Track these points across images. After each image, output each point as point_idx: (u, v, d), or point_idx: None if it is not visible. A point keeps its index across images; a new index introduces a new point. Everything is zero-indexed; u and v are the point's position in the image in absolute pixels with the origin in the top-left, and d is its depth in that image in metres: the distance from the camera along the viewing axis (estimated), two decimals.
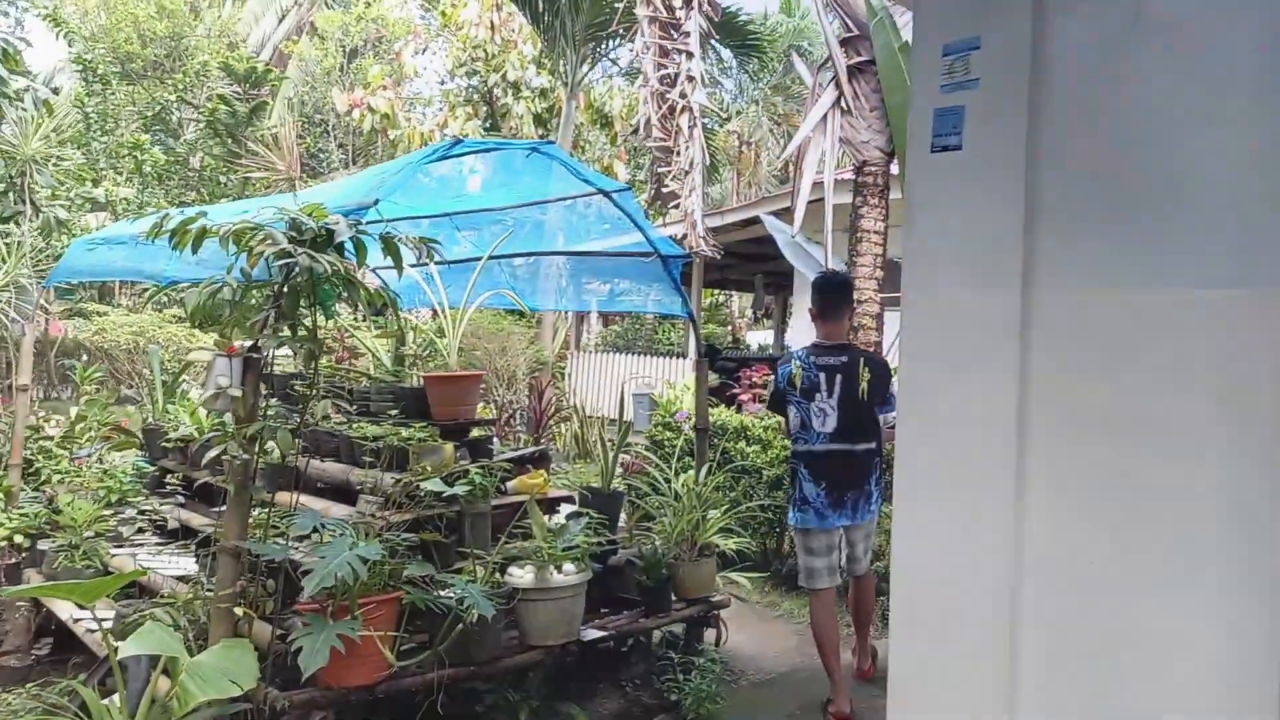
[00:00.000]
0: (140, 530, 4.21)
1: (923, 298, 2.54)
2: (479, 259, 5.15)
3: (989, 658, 2.38)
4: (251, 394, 2.94)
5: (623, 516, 4.45)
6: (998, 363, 2.34)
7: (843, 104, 7.29)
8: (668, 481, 4.45)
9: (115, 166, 14.00)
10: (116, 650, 2.44)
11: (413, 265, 4.25)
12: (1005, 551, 2.34)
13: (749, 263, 15.48)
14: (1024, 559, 2.33)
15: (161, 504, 4.23)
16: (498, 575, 3.49)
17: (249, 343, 2.97)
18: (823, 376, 3.86)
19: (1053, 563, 2.29)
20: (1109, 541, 2.18)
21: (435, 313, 4.88)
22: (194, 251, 2.95)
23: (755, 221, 12.30)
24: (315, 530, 2.92)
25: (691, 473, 4.43)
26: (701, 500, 4.24)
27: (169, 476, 4.66)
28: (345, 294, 3.10)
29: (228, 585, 2.87)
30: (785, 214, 10.25)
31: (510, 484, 4.05)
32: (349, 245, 3.02)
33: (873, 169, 7.33)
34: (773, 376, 4.16)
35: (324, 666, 2.64)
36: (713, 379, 9.30)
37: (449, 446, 3.71)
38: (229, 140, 15.36)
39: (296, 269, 2.81)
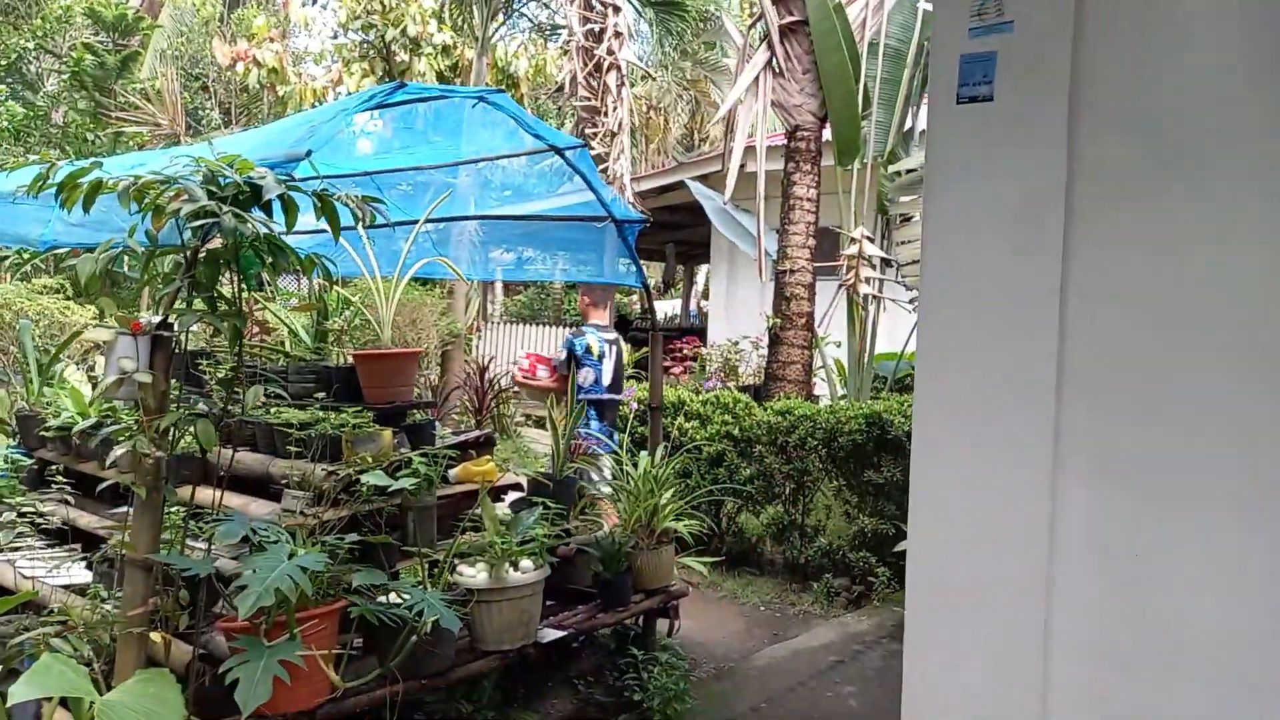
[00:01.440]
0: (28, 531, 3.65)
1: (946, 262, 2.30)
2: (404, 223, 4.71)
3: (1019, 655, 2.19)
4: (162, 379, 2.48)
5: None
6: (1034, 332, 2.12)
7: (774, 65, 7.05)
8: (619, 464, 4.15)
9: None
10: (3, 697, 1.99)
11: (348, 228, 3.81)
12: (1039, 535, 2.14)
13: (661, 231, 15.22)
14: (1059, 544, 2.14)
15: (43, 502, 3.68)
16: (448, 575, 3.13)
17: (157, 318, 2.51)
18: (607, 348, 5.44)
19: (1091, 548, 2.10)
20: (1154, 525, 2.00)
21: (346, 282, 4.42)
22: (85, 210, 2.46)
23: (671, 189, 12.03)
24: (246, 538, 2.49)
25: (645, 454, 4.14)
26: (659, 484, 3.96)
27: (50, 469, 4.08)
28: (271, 260, 2.66)
29: (138, 604, 2.43)
30: (706, 180, 10.02)
31: (453, 472, 3.68)
32: (277, 204, 2.59)
33: (805, 134, 7.13)
34: (569, 348, 5.42)
35: None
36: (631, 351, 9.02)
37: (387, 433, 3.31)
38: (96, 94, 14.05)
39: (215, 231, 2.37)
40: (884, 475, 5.37)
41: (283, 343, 4.12)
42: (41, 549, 3.75)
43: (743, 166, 10.86)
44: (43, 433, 4.17)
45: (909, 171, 7.15)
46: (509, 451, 9.73)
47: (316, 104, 13.69)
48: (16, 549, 3.67)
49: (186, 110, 16.66)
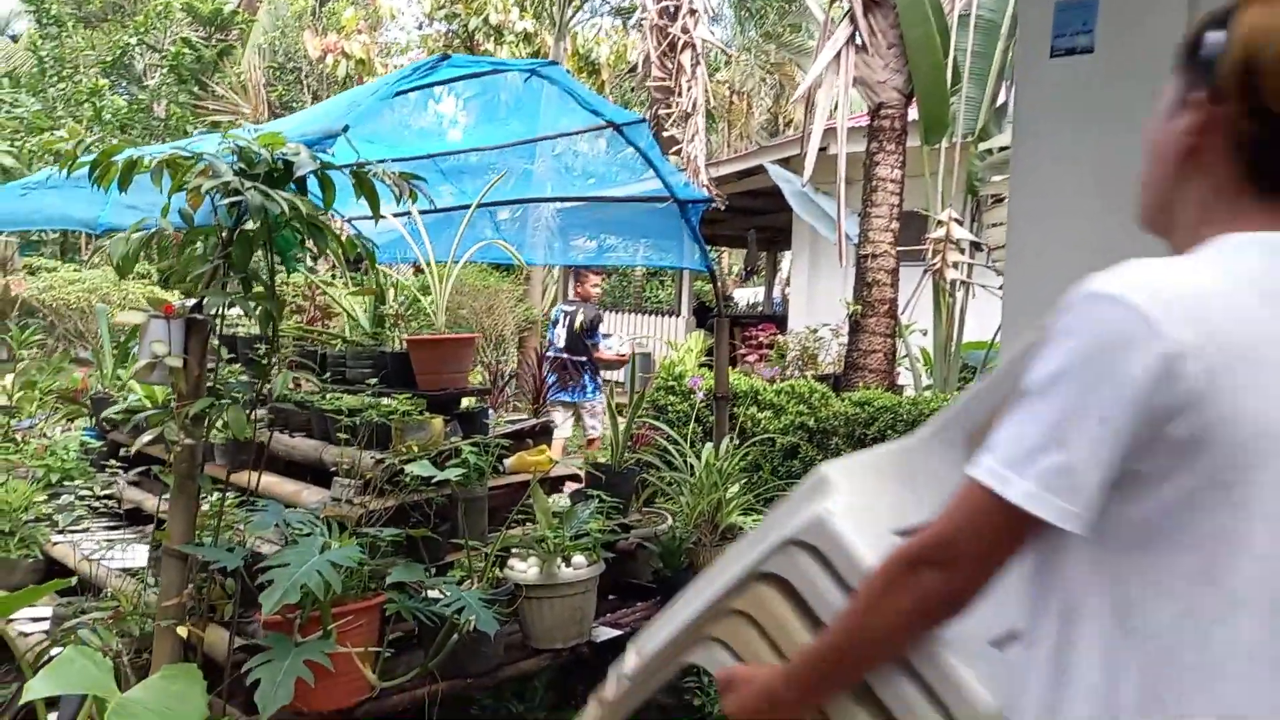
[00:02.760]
0: (86, 513, 3.69)
1: (1035, 238, 2.04)
2: (466, 207, 4.62)
3: None
4: (196, 364, 2.41)
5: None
6: None
7: (857, 40, 6.71)
8: (683, 455, 3.96)
9: (74, 115, 13.18)
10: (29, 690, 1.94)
11: (395, 214, 3.72)
12: None
13: (742, 217, 14.92)
14: None
15: (106, 484, 3.70)
16: (496, 570, 3.00)
17: (191, 301, 2.44)
18: (563, 315, 6.89)
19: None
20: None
21: (418, 268, 4.33)
22: (121, 189, 2.40)
23: (751, 173, 11.72)
24: (277, 527, 2.41)
25: (710, 445, 3.94)
26: (724, 476, 3.76)
27: (122, 451, 4.12)
28: (310, 241, 2.56)
29: (172, 595, 2.37)
30: (787, 164, 9.70)
31: (508, 462, 3.55)
32: (313, 182, 2.48)
33: (890, 111, 6.78)
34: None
35: None
36: (706, 338, 8.80)
37: (437, 421, 3.19)
38: (195, 87, 14.53)
39: (248, 210, 2.27)
40: None
41: (345, 329, 4.07)
42: (109, 528, 3.79)
43: (824, 149, 10.50)
44: (113, 415, 4.21)
45: (1001, 149, 6.74)
46: (583, 438, 9.66)
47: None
48: (83, 530, 3.72)
49: (281, 101, 17.12)
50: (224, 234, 2.40)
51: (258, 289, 2.44)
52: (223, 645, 2.55)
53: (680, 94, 6.82)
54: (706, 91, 7.08)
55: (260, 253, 2.47)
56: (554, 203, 4.94)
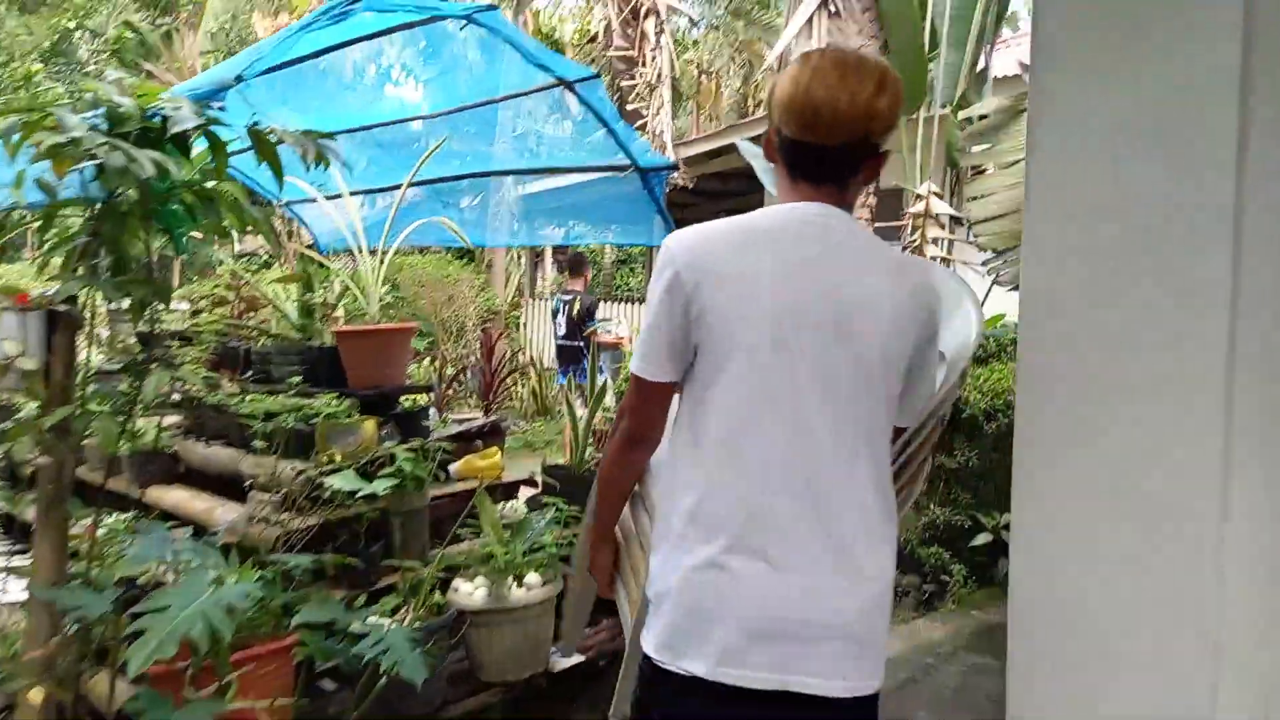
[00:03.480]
0: None
1: (1059, 200, 1.67)
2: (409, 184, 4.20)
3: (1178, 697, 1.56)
4: (60, 366, 2.00)
5: None
6: (1195, 304, 1.47)
7: (830, 4, 6.34)
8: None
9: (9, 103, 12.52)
10: None
11: (330, 196, 3.30)
12: (1203, 581, 1.50)
13: (712, 200, 14.53)
14: (1230, 563, 1.50)
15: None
16: (437, 594, 2.61)
17: (53, 290, 2.03)
18: (563, 305, 7.31)
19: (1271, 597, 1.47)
20: None
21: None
22: None
23: (721, 154, 11.33)
24: (162, 561, 2.01)
25: None
26: None
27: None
28: (202, 215, 2.16)
29: (38, 644, 1.97)
30: (758, 142, 9.32)
31: (454, 467, 3.16)
32: (200, 142, 2.08)
33: None
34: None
35: None
36: None
37: (369, 423, 2.80)
38: (140, 74, 13.89)
39: (114, 176, 1.86)
40: (957, 460, 4.72)
41: (274, 323, 3.65)
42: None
43: None
44: None
45: (982, 118, 6.40)
46: (554, 432, 9.26)
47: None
48: None
49: None
50: (92, 208, 2.00)
51: (132, 273, 2.03)
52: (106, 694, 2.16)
53: (644, 64, 6.42)
54: (672, 62, 6.68)
55: (140, 230, 2.07)
56: (505, 176, 4.54)
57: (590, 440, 3.51)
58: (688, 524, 1.35)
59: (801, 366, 1.34)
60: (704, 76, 17.04)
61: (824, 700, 1.31)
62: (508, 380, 6.86)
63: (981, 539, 4.68)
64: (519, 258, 13.39)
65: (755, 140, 9.15)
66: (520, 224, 4.98)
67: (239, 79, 2.15)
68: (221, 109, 2.16)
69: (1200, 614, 1.42)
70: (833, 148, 1.39)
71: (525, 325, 12.44)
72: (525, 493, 3.40)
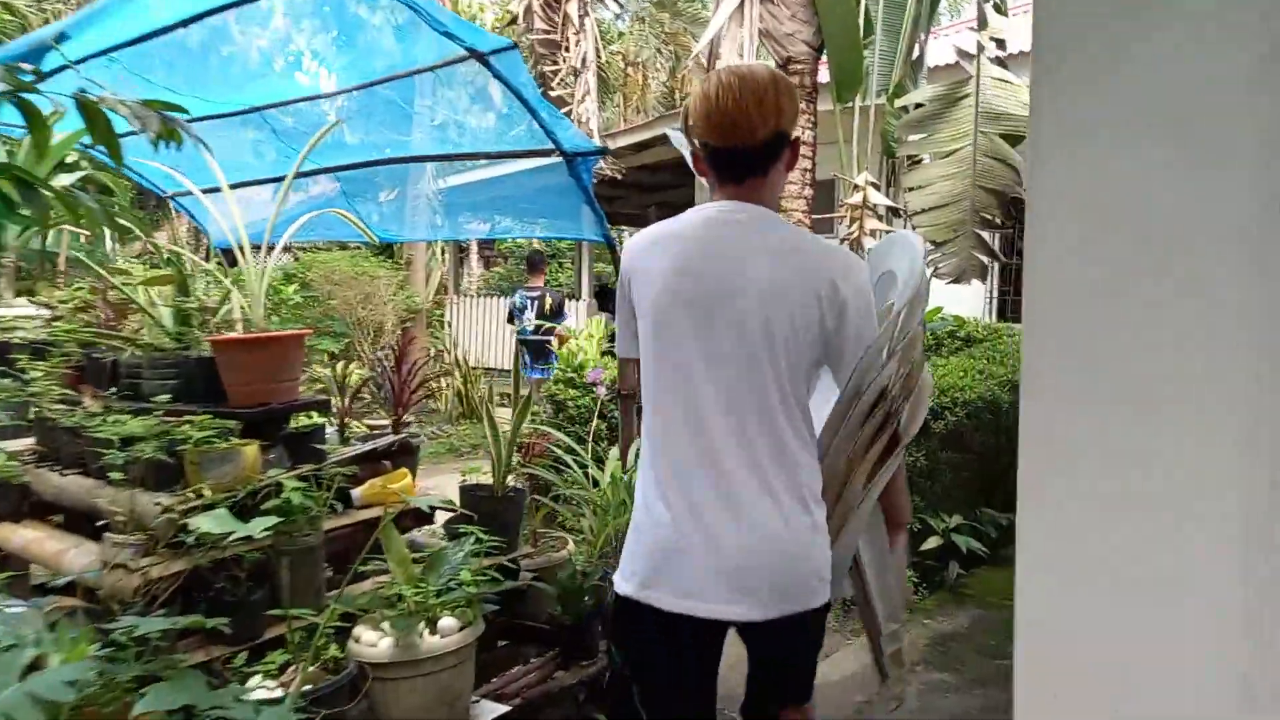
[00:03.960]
0: None
1: (1063, 213, 1.39)
2: (296, 172, 3.78)
3: None
4: None
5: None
6: (1211, 304, 1.21)
7: None
8: (584, 468, 3.25)
9: None
10: None
11: (209, 190, 2.87)
12: (1227, 592, 1.24)
13: (641, 193, 14.24)
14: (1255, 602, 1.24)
15: None
16: (333, 648, 2.23)
17: None
18: (528, 301, 7.73)
19: None
20: None
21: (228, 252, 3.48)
22: None
23: (650, 145, 11.03)
24: None
25: (615, 454, 3.25)
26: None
27: None
28: (24, 205, 1.74)
29: None
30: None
31: (358, 491, 2.78)
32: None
33: (799, 67, 6.16)
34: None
35: None
36: (609, 323, 8.15)
37: (250, 448, 2.39)
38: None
39: None
40: (908, 459, 4.49)
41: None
42: None
43: None
44: None
45: (918, 106, 6.23)
46: (479, 436, 8.84)
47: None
48: None
49: None
50: None
51: None
52: None
53: (567, 48, 6.06)
54: (597, 47, 6.34)
55: None
56: (424, 168, 4.15)
57: (516, 456, 3.16)
58: (641, 473, 1.72)
59: (687, 346, 1.62)
60: (630, 68, 16.74)
61: (716, 623, 1.62)
62: (431, 384, 6.46)
63: (931, 543, 4.47)
64: (441, 254, 12.90)
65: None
66: (442, 219, 4.60)
67: (61, 37, 1.74)
68: (39, 75, 1.75)
69: (1222, 627, 1.18)
70: (755, 147, 1.63)
71: (451, 324, 11.96)
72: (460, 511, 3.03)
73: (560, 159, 2.96)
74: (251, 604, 2.25)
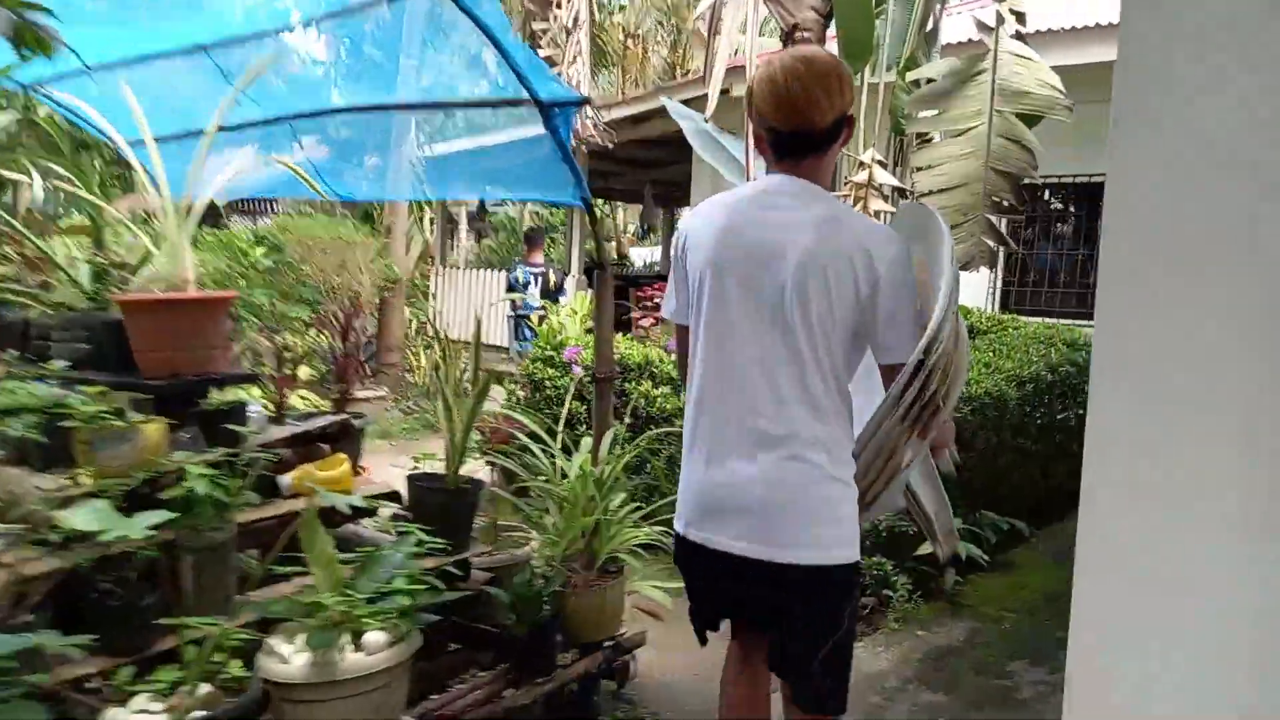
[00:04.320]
0: None
1: (1141, 223, 1.09)
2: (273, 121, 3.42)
3: None
4: None
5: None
6: None
7: None
8: (552, 458, 2.93)
9: None
10: None
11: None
12: None
13: (637, 169, 13.88)
14: None
15: None
16: (236, 665, 1.90)
17: None
18: (532, 277, 7.99)
19: None
20: None
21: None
22: None
23: (647, 119, 10.65)
24: None
25: (588, 443, 2.92)
26: (603, 488, 2.74)
27: None
28: None
29: None
30: (689, 106, 8.65)
31: (287, 479, 2.44)
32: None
33: (805, 34, 5.78)
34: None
35: None
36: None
37: (152, 427, 2.05)
38: None
39: None
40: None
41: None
42: None
43: (726, 91, 9.49)
44: None
45: (929, 81, 5.86)
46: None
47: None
48: None
49: None
50: None
51: None
52: None
53: (559, 4, 5.68)
54: (593, 7, 5.96)
55: None
56: (408, 132, 3.80)
57: (476, 443, 2.82)
58: (687, 424, 1.88)
59: (732, 308, 1.75)
60: (630, 40, 16.27)
61: (742, 560, 1.74)
62: (410, 356, 6.10)
63: (927, 548, 4.16)
64: (430, 223, 12.51)
65: (688, 104, 8.50)
66: (426, 181, 4.28)
67: None
68: None
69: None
70: (819, 130, 1.73)
71: (436, 296, 11.58)
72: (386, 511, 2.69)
73: (535, 109, 2.60)
74: (142, 610, 1.92)
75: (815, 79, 1.68)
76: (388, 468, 6.94)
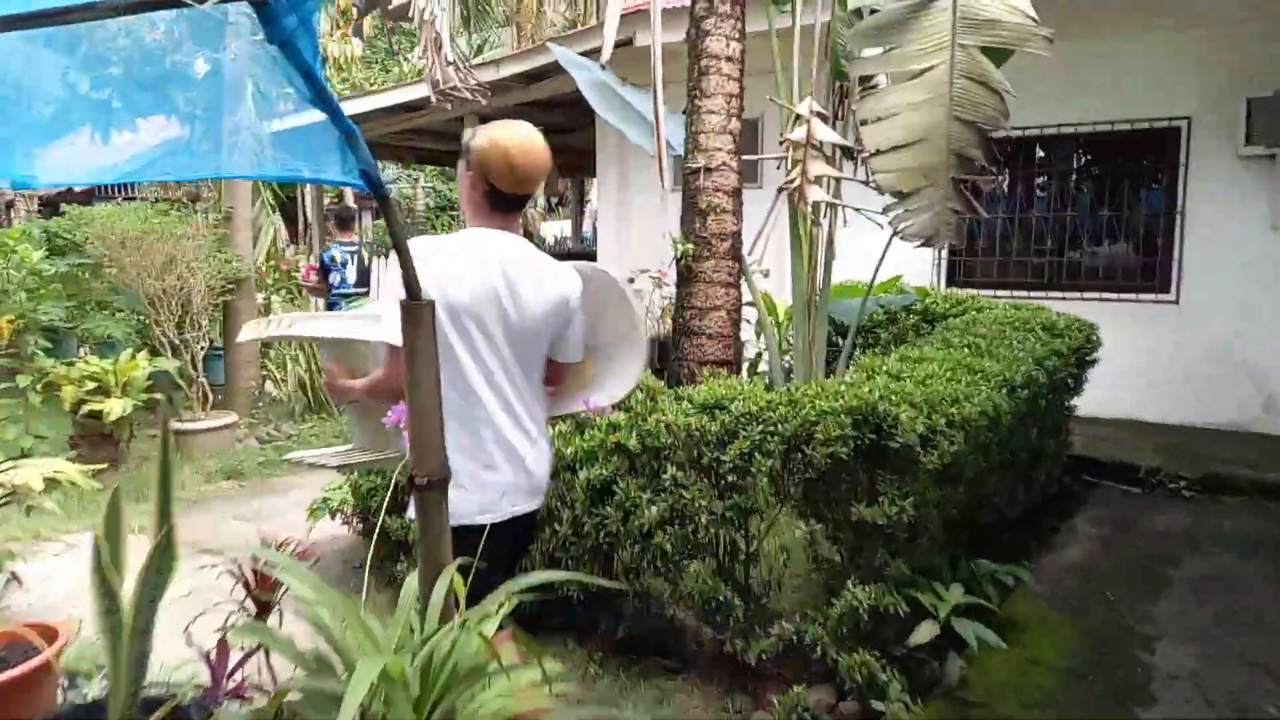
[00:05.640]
0: None
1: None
2: None
3: None
4: None
5: None
6: None
7: None
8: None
9: None
10: None
11: None
12: None
13: None
14: None
15: None
16: None
17: None
18: (349, 256, 7.86)
19: None
20: None
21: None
22: None
23: (543, 76, 9.36)
24: None
25: (411, 588, 1.74)
26: (439, 681, 1.56)
27: None
28: None
29: None
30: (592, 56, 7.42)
31: None
32: None
33: None
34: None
35: None
36: None
37: None
38: None
39: None
40: (885, 512, 3.07)
41: None
42: None
43: (628, 42, 8.25)
44: None
45: (874, 11, 4.77)
46: (332, 435, 7.18)
47: None
48: None
49: None
50: None
51: None
52: None
53: None
54: None
55: None
56: (243, 101, 2.49)
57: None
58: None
59: (475, 340, 2.24)
60: None
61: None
62: (256, 369, 4.78)
63: (924, 633, 3.11)
64: (270, 208, 10.97)
65: (585, 54, 7.24)
66: (271, 155, 2.97)
67: None
68: None
69: None
70: (530, 194, 2.33)
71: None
72: None
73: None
74: None
75: (540, 158, 2.25)
76: (230, 522, 5.56)
